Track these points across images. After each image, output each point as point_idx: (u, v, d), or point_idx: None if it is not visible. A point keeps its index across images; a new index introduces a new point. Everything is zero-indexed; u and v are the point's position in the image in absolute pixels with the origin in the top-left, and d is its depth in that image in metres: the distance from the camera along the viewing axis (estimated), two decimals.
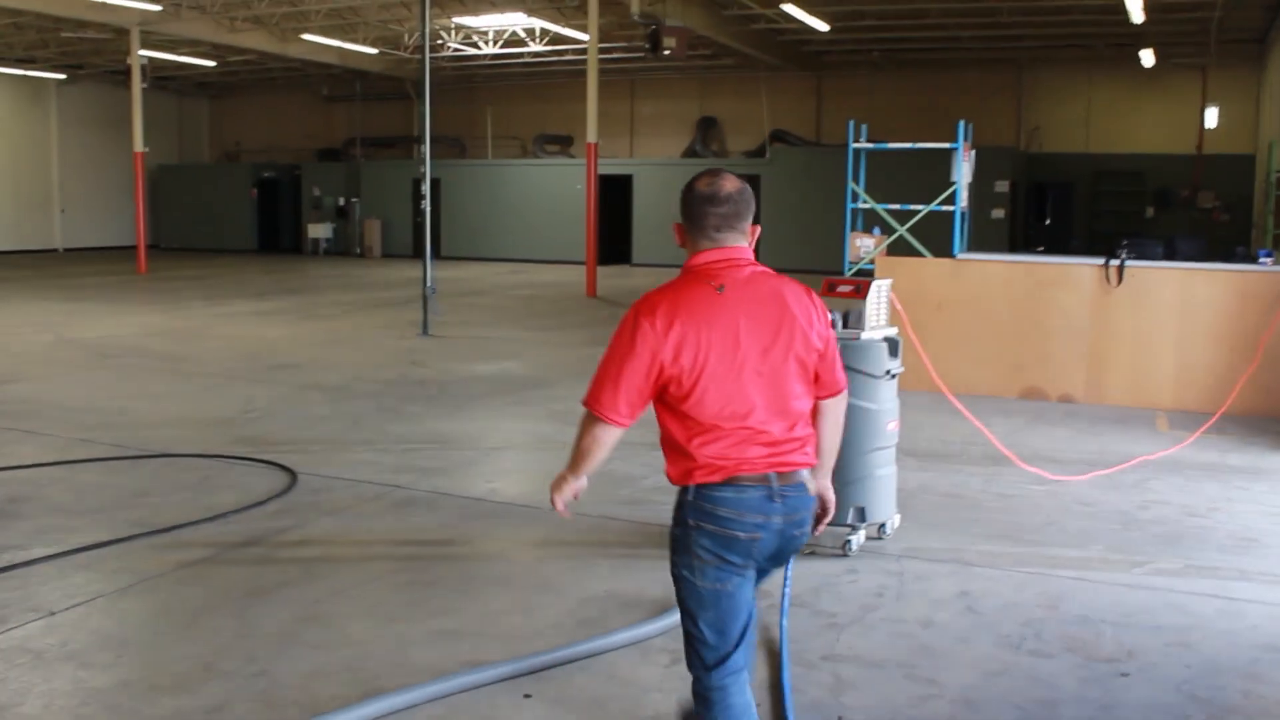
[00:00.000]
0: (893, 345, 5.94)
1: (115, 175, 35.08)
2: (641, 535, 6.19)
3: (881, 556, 5.90)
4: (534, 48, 28.24)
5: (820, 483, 3.43)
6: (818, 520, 3.43)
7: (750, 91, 31.13)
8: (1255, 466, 8.24)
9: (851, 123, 12.00)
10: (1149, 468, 8.07)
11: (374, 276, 26.76)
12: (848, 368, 5.76)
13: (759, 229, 3.43)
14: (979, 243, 20.42)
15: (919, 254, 11.72)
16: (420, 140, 36.62)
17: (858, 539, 5.87)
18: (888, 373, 5.84)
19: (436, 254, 33.98)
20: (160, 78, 34.74)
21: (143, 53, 27.85)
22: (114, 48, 29.10)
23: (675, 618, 4.84)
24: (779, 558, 3.35)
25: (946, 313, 11.02)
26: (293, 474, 7.56)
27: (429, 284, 15.46)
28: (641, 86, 33.40)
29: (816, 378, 3.33)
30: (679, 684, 4.35)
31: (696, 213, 3.29)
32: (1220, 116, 25.57)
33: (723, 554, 3.19)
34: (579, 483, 3.40)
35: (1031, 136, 28.93)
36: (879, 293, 5.95)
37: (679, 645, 4.62)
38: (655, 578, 5.53)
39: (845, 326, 5.88)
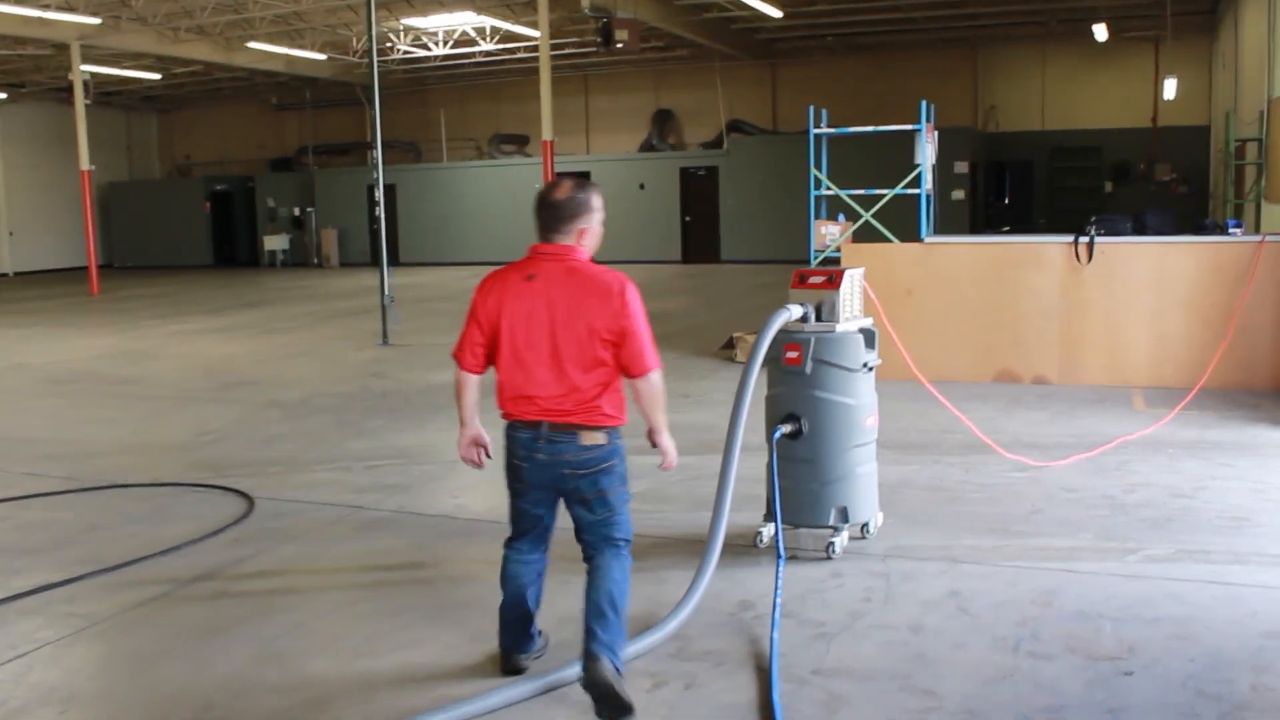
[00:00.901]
0: (868, 336, 5.71)
1: (64, 195, 34.41)
2: None
3: (866, 558, 5.67)
4: (485, 46, 27.91)
5: (654, 439, 4.36)
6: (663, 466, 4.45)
7: (705, 82, 30.92)
8: (1236, 442, 8.07)
9: (811, 108, 11.78)
10: (1130, 448, 7.89)
11: (332, 287, 26.37)
12: (823, 361, 5.57)
13: (589, 231, 4.19)
14: (941, 225, 20.29)
15: (886, 240, 11.51)
16: (373, 146, 36.40)
17: (841, 541, 5.64)
18: (865, 365, 5.60)
19: (394, 260, 33.85)
20: (105, 93, 34.14)
21: (85, 67, 27.26)
22: (55, 64, 28.55)
23: (655, 638, 4.62)
24: (560, 489, 4.32)
25: (917, 298, 10.83)
26: (250, 500, 7.26)
27: (387, 293, 15.13)
28: (595, 82, 33.12)
29: (622, 362, 4.16)
30: (665, 711, 4.12)
31: (536, 214, 4.24)
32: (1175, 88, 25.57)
33: (509, 473, 4.39)
34: (468, 430, 4.53)
35: (988, 116, 28.87)
36: (852, 282, 5.72)
37: (662, 667, 4.40)
38: (636, 592, 5.28)
39: (819, 319, 5.65)
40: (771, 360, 5.72)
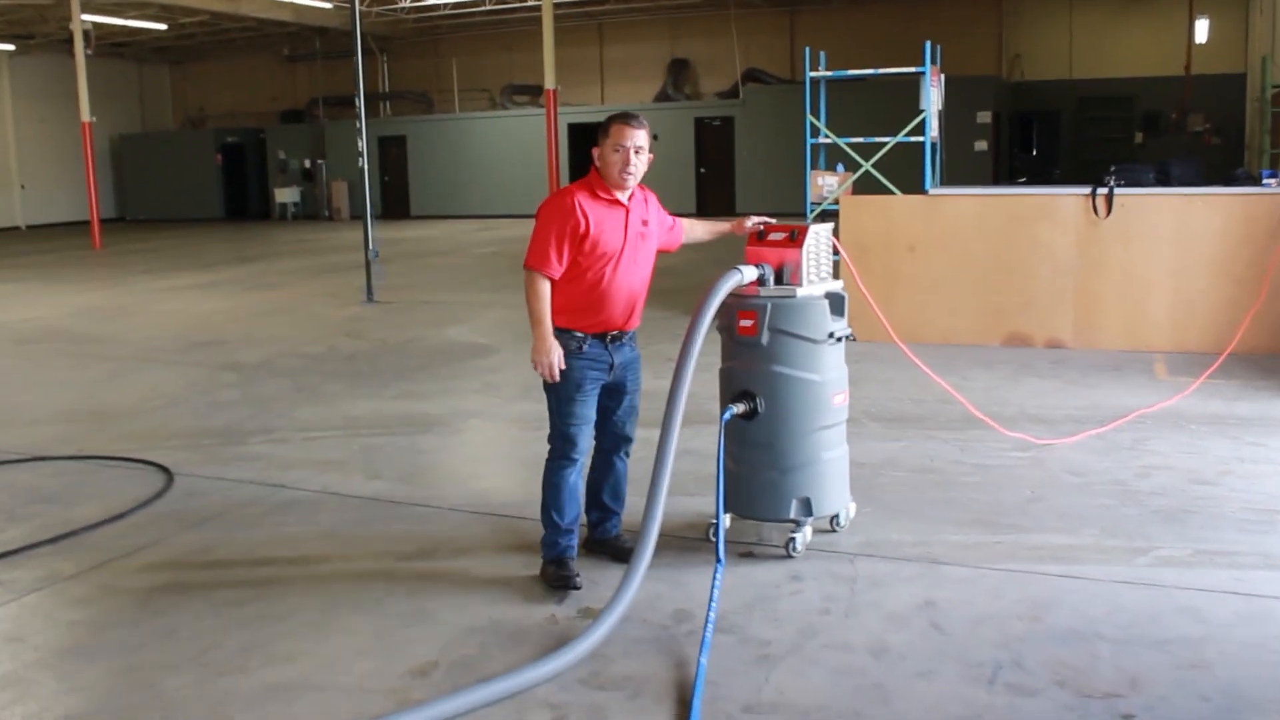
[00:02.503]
0: (836, 302, 4.93)
1: (75, 148, 33.61)
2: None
3: (833, 556, 4.93)
4: None
5: None
6: None
7: (722, 30, 29.94)
8: (1268, 416, 7.26)
9: (808, 49, 10.92)
10: (1147, 423, 7.10)
11: (337, 240, 25.65)
12: (782, 331, 4.81)
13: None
14: (962, 177, 19.36)
15: (888, 191, 10.68)
16: (386, 97, 35.65)
17: (803, 537, 4.90)
18: (831, 335, 4.83)
19: (405, 213, 33.22)
20: (116, 44, 33.52)
21: (87, 17, 26.62)
22: (59, 14, 27.84)
23: (565, 660, 3.91)
24: None
25: (920, 255, 10.02)
26: (170, 476, 6.59)
27: (371, 247, 14.42)
28: (610, 31, 32.17)
29: None
30: None
31: None
32: (1209, 34, 24.40)
33: None
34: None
35: (1013, 65, 27.78)
36: (817, 240, 4.94)
37: (566, 696, 3.71)
38: (549, 597, 4.58)
39: (779, 283, 4.88)
40: (725, 329, 4.98)
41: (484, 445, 7.38)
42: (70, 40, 27.82)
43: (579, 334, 4.63)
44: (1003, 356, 9.38)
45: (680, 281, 12.21)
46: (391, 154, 33.66)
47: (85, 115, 26.21)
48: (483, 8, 29.74)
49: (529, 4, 28.15)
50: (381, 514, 5.80)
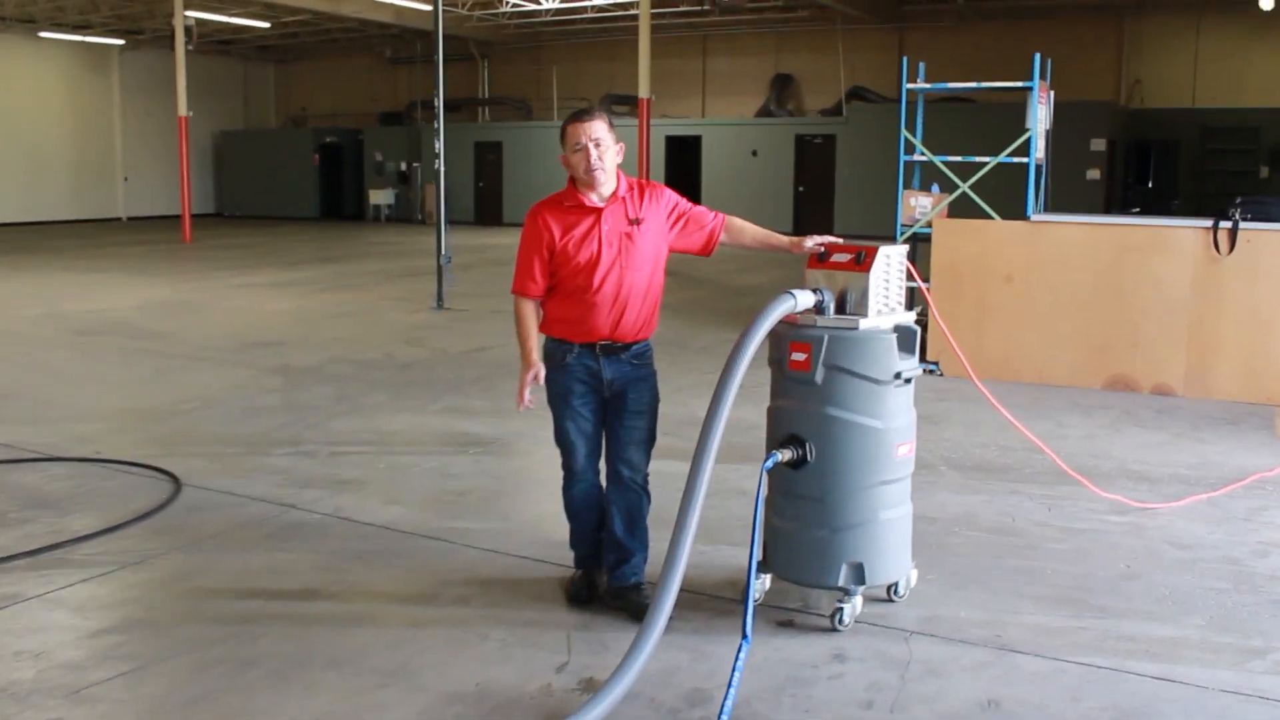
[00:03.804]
0: (906, 337, 4.23)
1: (177, 142, 34.25)
2: (560, 590, 4.61)
3: (885, 633, 4.23)
4: (597, 1, 26.60)
5: None
6: None
7: (827, 46, 29.14)
8: None
9: (905, 59, 10.18)
10: (1267, 489, 6.26)
11: (424, 244, 25.19)
12: (839, 368, 4.13)
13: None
14: (1071, 207, 18.29)
15: (986, 216, 9.89)
16: (485, 102, 35.48)
17: (852, 608, 4.21)
18: (898, 376, 4.14)
19: (498, 220, 32.89)
20: (222, 41, 33.80)
21: (190, 13, 26.76)
22: (165, 10, 28.02)
23: None
24: None
25: (1017, 285, 9.22)
26: (178, 487, 6.11)
27: (444, 253, 13.96)
28: (714, 43, 31.53)
29: None
30: None
31: None
32: None
33: None
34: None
35: (1133, 91, 26.55)
36: (888, 264, 4.26)
37: None
38: (549, 660, 3.96)
39: (840, 311, 4.21)
40: (775, 363, 4.31)
41: (521, 473, 6.77)
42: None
43: (568, 344, 4.35)
44: (1103, 401, 8.55)
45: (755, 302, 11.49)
46: (488, 160, 33.41)
47: (182, 109, 26.28)
48: (585, 15, 29.35)
49: (631, 13, 27.66)
50: (389, 546, 5.23)
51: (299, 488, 6.15)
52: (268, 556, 5.09)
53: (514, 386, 4.46)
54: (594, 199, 4.30)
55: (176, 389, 8.98)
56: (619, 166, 4.39)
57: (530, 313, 4.38)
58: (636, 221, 4.29)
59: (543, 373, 4.34)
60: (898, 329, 4.22)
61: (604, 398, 4.39)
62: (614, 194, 4.31)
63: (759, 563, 4.36)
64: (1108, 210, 23.60)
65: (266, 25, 30.85)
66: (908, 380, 4.19)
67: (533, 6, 29.24)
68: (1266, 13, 22.14)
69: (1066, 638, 4.21)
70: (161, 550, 5.16)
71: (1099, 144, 23.71)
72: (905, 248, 4.37)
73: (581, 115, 4.32)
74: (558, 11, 29.50)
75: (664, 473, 5.88)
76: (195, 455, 6.84)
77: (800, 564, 4.27)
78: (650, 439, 4.45)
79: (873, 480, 4.15)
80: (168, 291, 15.83)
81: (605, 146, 4.27)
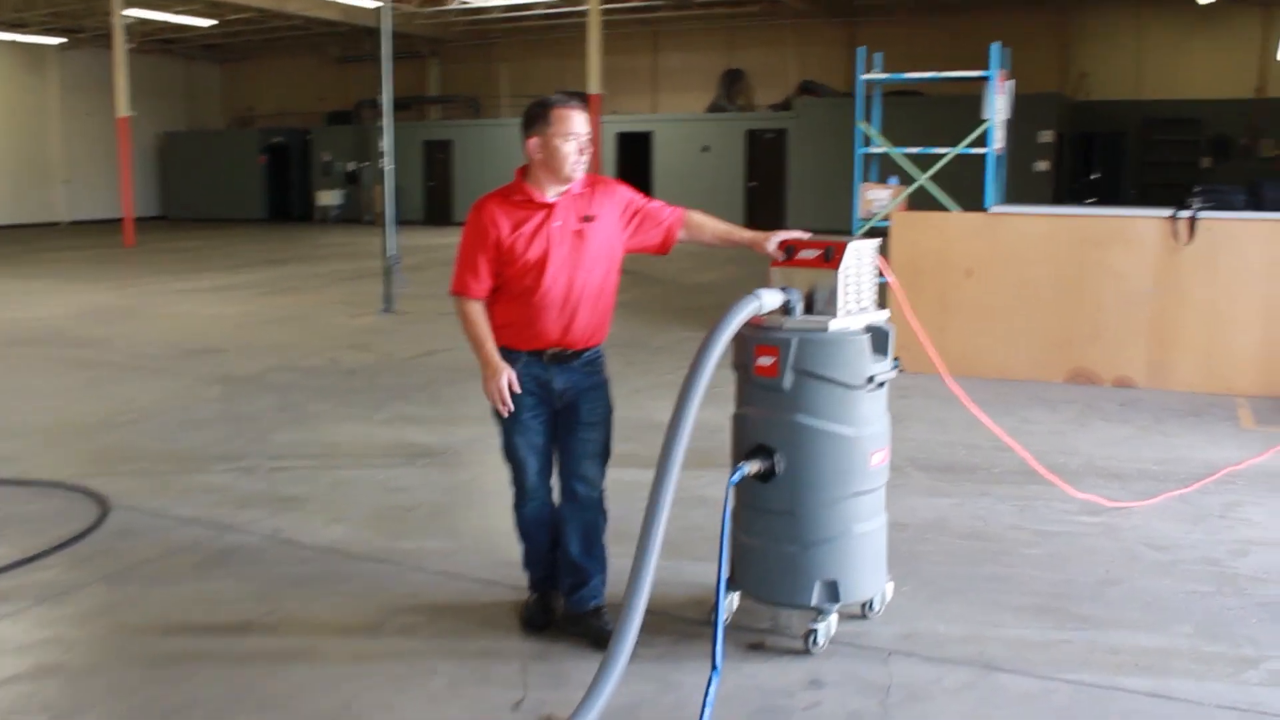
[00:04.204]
0: (878, 338, 3.99)
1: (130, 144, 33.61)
2: (514, 615, 4.34)
3: (862, 653, 3.99)
4: None
5: None
6: None
7: (778, 41, 29.02)
8: None
9: (861, 50, 9.98)
10: (1238, 484, 6.10)
11: (374, 245, 24.69)
12: (809, 373, 3.89)
13: None
14: (1020, 198, 18.25)
15: (944, 208, 9.70)
16: (434, 101, 35.05)
17: (826, 629, 3.97)
18: (871, 380, 3.90)
19: (448, 219, 32.46)
20: (164, 40, 33.11)
21: (131, 11, 26.15)
22: (105, 8, 27.35)
23: None
24: None
25: (978, 279, 9.04)
26: (104, 510, 5.76)
27: (391, 254, 13.62)
28: (666, 39, 31.28)
29: None
30: None
31: None
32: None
33: None
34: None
35: (1078, 83, 26.58)
36: (858, 260, 4.02)
37: None
38: (504, 697, 3.68)
39: (810, 311, 3.96)
40: (740, 368, 4.06)
41: (472, 485, 6.46)
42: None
43: (514, 352, 4.04)
44: (1066, 395, 8.39)
45: (713, 299, 11.29)
46: (438, 159, 33.01)
47: (123, 110, 25.69)
48: (535, 12, 29.02)
49: (581, 8, 27.36)
50: (332, 570, 4.92)
51: (236, 507, 5.82)
52: (199, 586, 4.77)
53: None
54: (547, 194, 4.00)
55: (109, 401, 8.60)
56: None
57: (481, 312, 4.02)
58: (589, 219, 4.00)
59: (514, 377, 3.99)
60: (870, 329, 3.98)
61: (554, 409, 4.10)
62: (566, 190, 4.02)
63: (730, 577, 4.13)
64: (1057, 201, 23.63)
65: (210, 23, 30.23)
66: (881, 384, 3.95)
67: (481, 4, 28.85)
68: (1205, 6, 22.22)
69: (1052, 652, 3.99)
70: (84, 582, 4.82)
71: (1046, 135, 23.69)
72: (876, 242, 4.13)
73: (574, 103, 3.98)
74: (507, 8, 29.14)
75: (623, 481, 5.63)
76: (126, 474, 6.50)
77: (771, 582, 4.02)
78: (605, 452, 4.17)
79: (846, 492, 3.91)
80: (106, 298, 15.35)
81: (589, 141, 3.99)
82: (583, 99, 4.00)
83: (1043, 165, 23.46)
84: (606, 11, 24.27)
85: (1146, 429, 7.39)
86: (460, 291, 4.04)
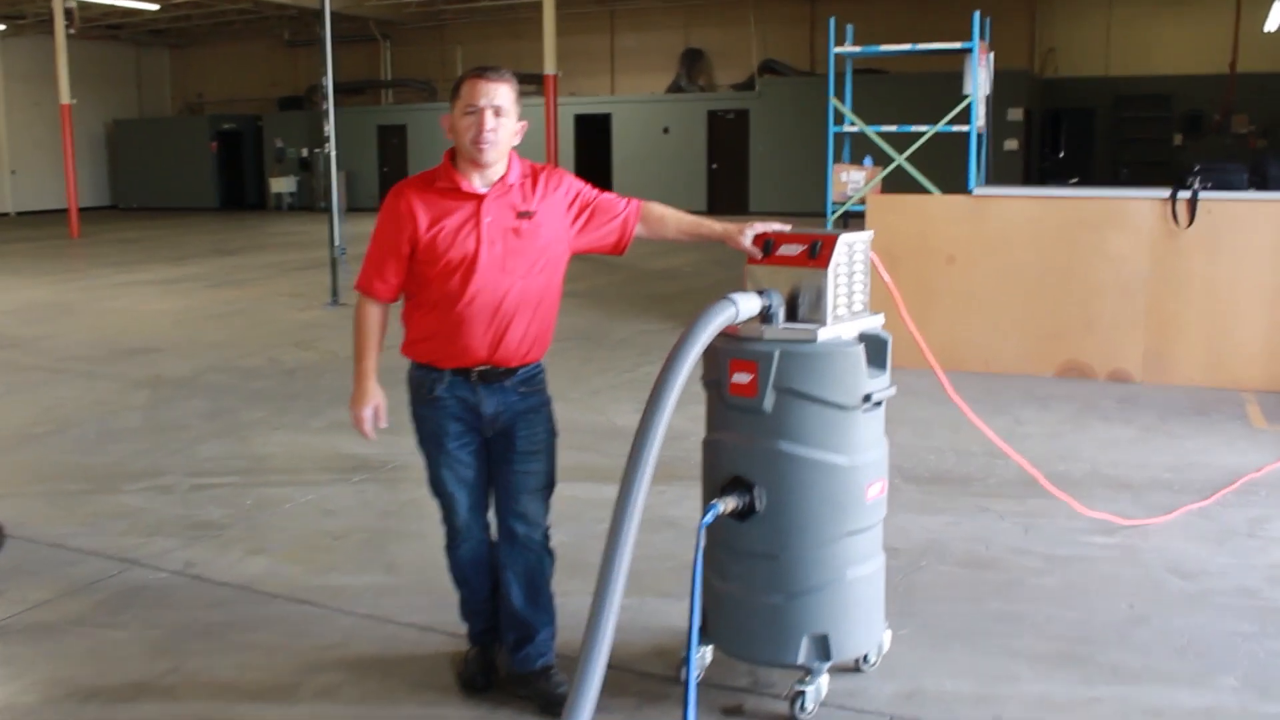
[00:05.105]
0: (875, 348, 3.39)
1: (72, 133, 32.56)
2: (451, 671, 3.72)
3: (860, 718, 3.40)
4: None
5: None
6: None
7: (738, 20, 28.37)
8: None
9: (832, 20, 9.39)
10: (1260, 494, 5.56)
11: (324, 234, 24.16)
12: (794, 392, 3.29)
13: None
14: (992, 178, 17.81)
15: (924, 190, 9.13)
16: (387, 85, 34.23)
17: (815, 691, 3.37)
18: (867, 398, 3.30)
19: None
20: (112, 26, 32.13)
21: None
22: None
23: None
24: None
25: (961, 267, 8.48)
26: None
27: (338, 244, 12.94)
28: (623, 19, 30.59)
29: None
30: None
31: None
32: (1252, 33, 22.67)
33: None
34: None
35: (1046, 60, 26.12)
36: (850, 255, 3.42)
37: None
38: None
39: (792, 318, 3.36)
40: (712, 385, 3.45)
41: (412, 506, 5.76)
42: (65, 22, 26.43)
43: (436, 370, 3.45)
44: (1059, 391, 7.84)
45: (676, 287, 10.72)
46: (391, 144, 32.23)
47: (65, 98, 24.79)
48: None
49: None
50: (247, 614, 4.28)
51: (146, 536, 5.17)
52: (92, 637, 4.12)
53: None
54: (475, 183, 3.37)
55: (28, 410, 7.90)
56: (515, 149, 3.46)
57: (374, 319, 3.47)
58: (527, 215, 3.37)
59: (383, 408, 3.49)
60: (864, 338, 3.38)
61: (486, 437, 3.49)
62: (502, 179, 3.38)
63: (702, 628, 3.53)
64: (1026, 180, 23.17)
65: (156, 7, 29.28)
66: (878, 404, 3.36)
67: None
68: None
69: (1079, 714, 3.42)
70: None
71: (1016, 114, 23.21)
72: (869, 234, 3.53)
73: (486, 72, 3.35)
74: None
75: (578, 498, 5.07)
76: (32, 495, 5.85)
77: (750, 637, 3.42)
78: (548, 484, 3.55)
79: (838, 531, 3.32)
80: (44, 292, 14.59)
81: (505, 116, 3.32)
82: (500, 71, 3.28)
83: (1012, 144, 22.99)
84: None
85: (1151, 429, 6.84)
86: (364, 289, 3.47)
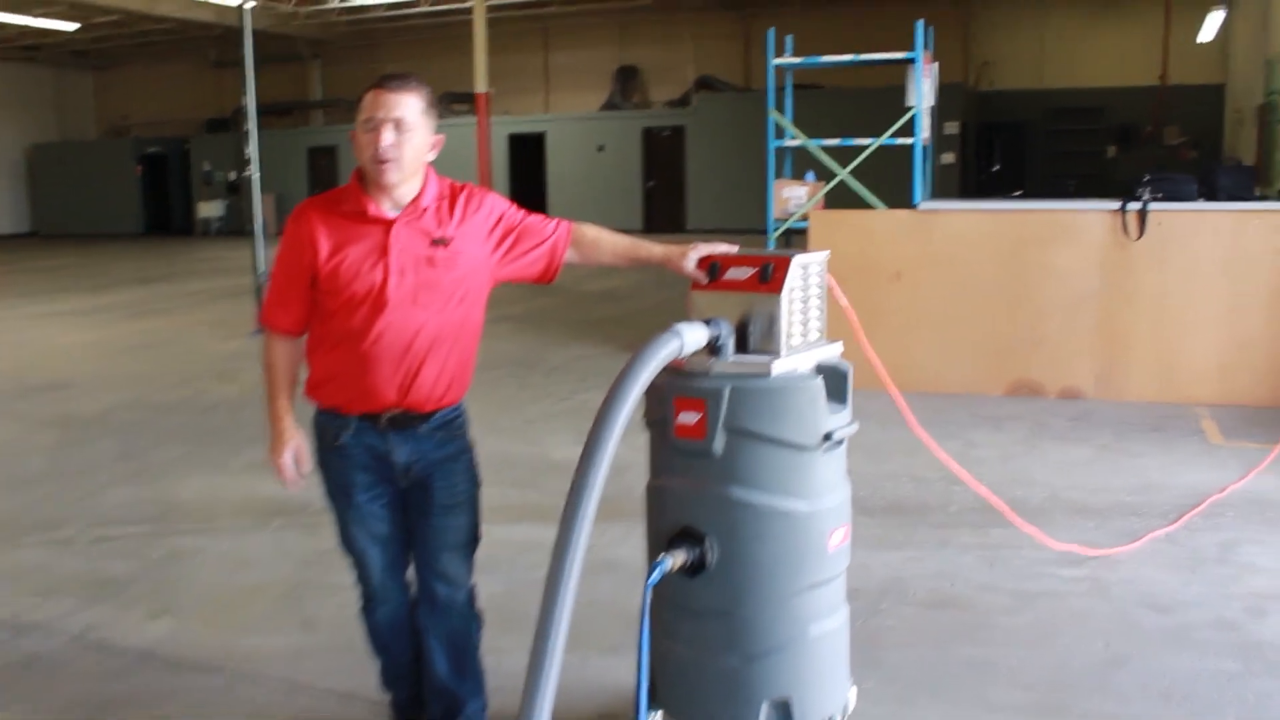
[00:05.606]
0: (835, 381, 3.07)
1: None
2: None
3: None
4: None
5: None
6: None
7: (673, 36, 28.24)
8: None
9: (771, 31, 9.13)
10: (1227, 516, 5.33)
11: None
12: (747, 432, 2.97)
13: None
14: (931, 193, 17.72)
15: (868, 206, 8.88)
16: (317, 105, 33.68)
17: None
18: (827, 437, 2.98)
19: None
20: (29, 47, 31.31)
21: None
22: None
23: None
24: None
25: (908, 283, 8.24)
26: None
27: (262, 270, 12.49)
28: (556, 36, 30.32)
29: None
30: None
31: None
32: (1182, 45, 22.88)
33: None
34: None
35: (980, 73, 26.19)
36: (805, 278, 3.11)
37: None
38: None
39: (743, 349, 3.03)
40: (656, 425, 3.11)
41: (333, 555, 5.41)
42: None
43: (341, 416, 3.07)
44: (1010, 410, 7.61)
45: (615, 311, 10.40)
46: (322, 165, 31.68)
47: None
48: (420, 10, 27.90)
49: (466, 4, 26.30)
50: (145, 688, 3.87)
51: (41, 596, 4.73)
52: None
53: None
54: (384, 206, 3.00)
55: None
56: (433, 165, 3.10)
57: (282, 355, 3.09)
58: (443, 242, 3.00)
59: (304, 450, 3.10)
60: (822, 370, 3.07)
61: (400, 488, 3.13)
62: (414, 202, 3.00)
63: (651, 694, 3.18)
64: (963, 194, 23.16)
65: (73, 27, 28.56)
66: (839, 442, 3.04)
67: (364, 2, 27.68)
68: None
69: None
70: None
71: (952, 127, 23.23)
72: (824, 254, 3.22)
73: (388, 81, 2.96)
74: (391, 6, 28.04)
75: (514, 541, 4.72)
76: None
77: (704, 703, 3.08)
78: (472, 540, 3.18)
79: (799, 585, 2.99)
80: None
81: (409, 131, 2.91)
82: (405, 80, 2.89)
83: (949, 158, 22.97)
84: (494, 8, 23.29)
85: (1107, 448, 6.62)
86: (267, 323, 3.09)
